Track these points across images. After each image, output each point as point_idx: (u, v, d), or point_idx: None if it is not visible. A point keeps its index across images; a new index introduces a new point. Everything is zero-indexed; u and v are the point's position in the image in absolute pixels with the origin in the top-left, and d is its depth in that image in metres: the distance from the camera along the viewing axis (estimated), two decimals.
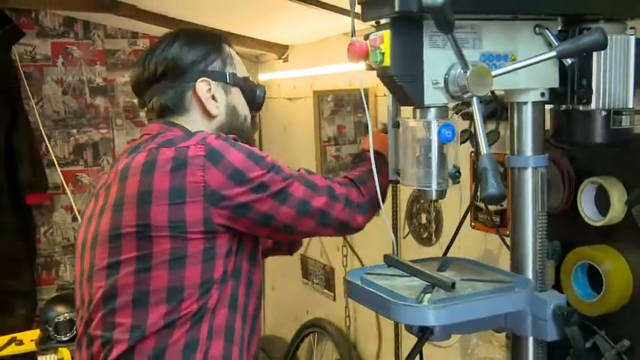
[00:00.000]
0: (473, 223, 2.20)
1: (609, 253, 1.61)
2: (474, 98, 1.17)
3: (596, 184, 1.63)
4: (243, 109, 1.55)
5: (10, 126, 3.68)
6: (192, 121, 1.49)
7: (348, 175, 1.51)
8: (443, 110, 1.23)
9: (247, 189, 1.32)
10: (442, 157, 1.23)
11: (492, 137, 2.03)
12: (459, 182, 1.24)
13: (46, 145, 3.81)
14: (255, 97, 1.58)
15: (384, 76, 1.22)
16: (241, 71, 1.56)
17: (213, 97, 1.48)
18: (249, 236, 1.42)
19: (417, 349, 1.25)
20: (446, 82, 1.20)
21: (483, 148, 1.14)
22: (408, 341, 2.51)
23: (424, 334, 1.23)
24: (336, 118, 3.66)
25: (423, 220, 2.47)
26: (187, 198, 1.29)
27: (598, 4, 1.28)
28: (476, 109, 1.17)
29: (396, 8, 1.13)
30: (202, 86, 1.47)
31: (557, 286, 1.73)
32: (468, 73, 1.15)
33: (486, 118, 2.00)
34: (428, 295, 1.20)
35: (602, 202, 1.63)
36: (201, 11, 3.28)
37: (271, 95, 3.99)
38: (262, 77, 4.03)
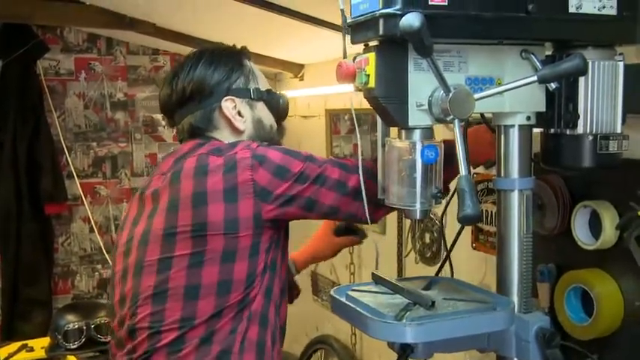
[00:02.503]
0: (474, 245, 2.21)
1: (601, 277, 1.61)
2: (456, 121, 1.19)
3: (590, 208, 1.63)
4: (269, 119, 1.63)
5: (32, 137, 3.78)
6: (222, 136, 1.57)
7: None
8: (427, 131, 1.25)
9: (292, 182, 1.43)
10: (426, 178, 1.25)
11: (490, 161, 2.04)
12: (440, 203, 1.26)
13: (67, 157, 3.91)
14: (279, 107, 1.65)
15: (370, 97, 1.25)
16: (263, 84, 1.64)
17: (240, 113, 1.56)
18: (285, 233, 1.54)
19: None
20: (430, 104, 1.22)
21: (463, 169, 1.16)
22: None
23: (404, 351, 1.25)
24: (352, 137, 3.69)
25: (427, 240, 2.48)
26: (240, 196, 1.40)
27: (585, 30, 1.29)
28: (457, 132, 1.19)
29: (381, 32, 1.16)
30: (228, 105, 1.56)
31: (553, 309, 1.73)
32: (450, 96, 1.18)
33: None
34: (407, 313, 1.21)
35: (596, 226, 1.63)
36: (220, 30, 3.35)
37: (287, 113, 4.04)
38: None
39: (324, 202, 1.45)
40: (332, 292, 1.36)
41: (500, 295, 1.36)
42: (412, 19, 1.06)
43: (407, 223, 2.66)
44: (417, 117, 1.23)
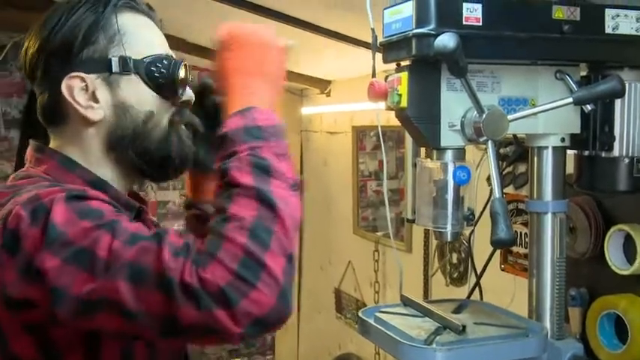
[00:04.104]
0: (503, 266, 2.18)
1: (635, 303, 1.57)
2: (489, 142, 1.17)
3: (624, 232, 1.60)
4: (146, 103, 1.08)
5: None
6: (75, 132, 1.08)
7: None
8: (459, 152, 1.23)
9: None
10: (457, 199, 1.23)
11: (523, 179, 2.02)
12: (472, 225, 1.24)
13: None
14: (173, 79, 1.07)
15: (402, 117, 1.23)
16: (145, 50, 1.08)
17: (94, 97, 1.05)
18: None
19: None
20: (462, 124, 1.20)
21: (496, 192, 1.14)
22: None
23: None
24: (378, 153, 3.68)
25: (454, 260, 2.45)
26: None
27: (621, 51, 1.27)
28: (490, 153, 1.17)
29: (413, 52, 1.15)
30: (72, 84, 1.04)
31: (584, 335, 1.69)
32: (484, 117, 1.16)
33: (517, 160, 2.00)
34: (437, 337, 1.19)
35: (630, 250, 1.60)
36: None
37: (313, 129, 4.05)
38: (305, 111, 4.09)
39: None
40: (360, 314, 1.34)
41: (532, 320, 1.33)
42: (447, 40, 1.05)
43: (434, 242, 2.63)
44: (450, 137, 1.21)
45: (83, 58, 1.05)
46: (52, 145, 1.11)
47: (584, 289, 1.72)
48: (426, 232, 2.65)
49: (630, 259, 1.60)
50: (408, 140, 1.44)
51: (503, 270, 2.17)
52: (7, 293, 0.93)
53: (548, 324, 1.32)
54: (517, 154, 1.96)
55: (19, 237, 0.91)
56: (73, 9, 1.06)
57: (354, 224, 3.54)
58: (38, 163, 1.08)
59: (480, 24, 1.15)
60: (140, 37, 1.09)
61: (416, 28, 1.14)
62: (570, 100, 1.19)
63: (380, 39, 1.27)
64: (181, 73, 1.08)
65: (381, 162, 3.64)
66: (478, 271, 1.70)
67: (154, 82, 1.07)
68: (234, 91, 1.01)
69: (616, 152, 1.30)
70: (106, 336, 0.99)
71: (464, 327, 1.20)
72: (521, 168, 2.05)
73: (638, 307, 1.57)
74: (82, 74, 1.04)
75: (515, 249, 2.12)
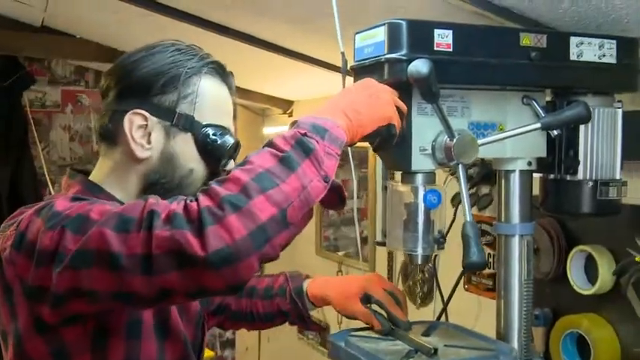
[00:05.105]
0: (466, 286, 2.20)
1: (597, 322, 1.61)
2: (460, 166, 1.19)
3: (586, 253, 1.64)
4: (190, 160, 1.16)
5: (15, 170, 3.73)
6: (117, 159, 1.17)
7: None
8: (430, 176, 1.24)
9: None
10: (428, 222, 1.24)
11: (486, 200, 2.05)
12: (443, 248, 1.25)
13: (50, 190, 3.85)
14: (218, 153, 1.17)
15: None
16: (210, 117, 1.17)
17: (149, 138, 1.14)
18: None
19: None
20: (433, 148, 1.22)
21: (467, 215, 1.16)
22: None
23: None
24: (340, 173, 3.69)
25: (418, 280, 2.46)
26: (15, 298, 1.04)
27: (585, 77, 1.30)
28: (461, 177, 1.18)
29: (386, 77, 1.16)
30: (134, 119, 1.13)
31: (548, 354, 1.72)
32: (454, 142, 1.17)
33: (481, 182, 2.03)
34: None
35: (592, 271, 1.63)
36: None
37: None
38: (267, 130, 4.09)
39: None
40: (330, 338, 1.33)
41: (501, 341, 1.34)
42: (420, 66, 1.06)
43: (398, 262, 2.64)
44: (420, 161, 1.22)
45: (154, 101, 1.14)
46: (98, 165, 1.21)
47: (547, 308, 1.76)
48: (390, 253, 2.66)
49: (592, 279, 1.63)
50: (372, 161, 1.44)
51: (467, 290, 2.19)
52: (25, 284, 1.02)
53: (516, 345, 1.34)
54: (481, 176, 1.99)
55: (26, 234, 1.02)
56: (166, 54, 1.16)
57: (316, 245, 3.53)
58: (68, 188, 1.18)
59: (451, 50, 1.17)
60: (211, 104, 1.19)
61: (388, 53, 1.15)
62: (538, 125, 1.22)
63: (350, 62, 1.28)
64: (230, 147, 1.17)
65: (344, 181, 3.64)
66: (443, 291, 1.71)
67: (203, 146, 1.16)
68: (319, 112, 1.07)
69: (580, 176, 1.33)
70: (111, 333, 1.07)
71: (435, 350, 1.20)
72: (485, 189, 2.08)
73: (600, 326, 1.60)
74: (147, 114, 1.13)
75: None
